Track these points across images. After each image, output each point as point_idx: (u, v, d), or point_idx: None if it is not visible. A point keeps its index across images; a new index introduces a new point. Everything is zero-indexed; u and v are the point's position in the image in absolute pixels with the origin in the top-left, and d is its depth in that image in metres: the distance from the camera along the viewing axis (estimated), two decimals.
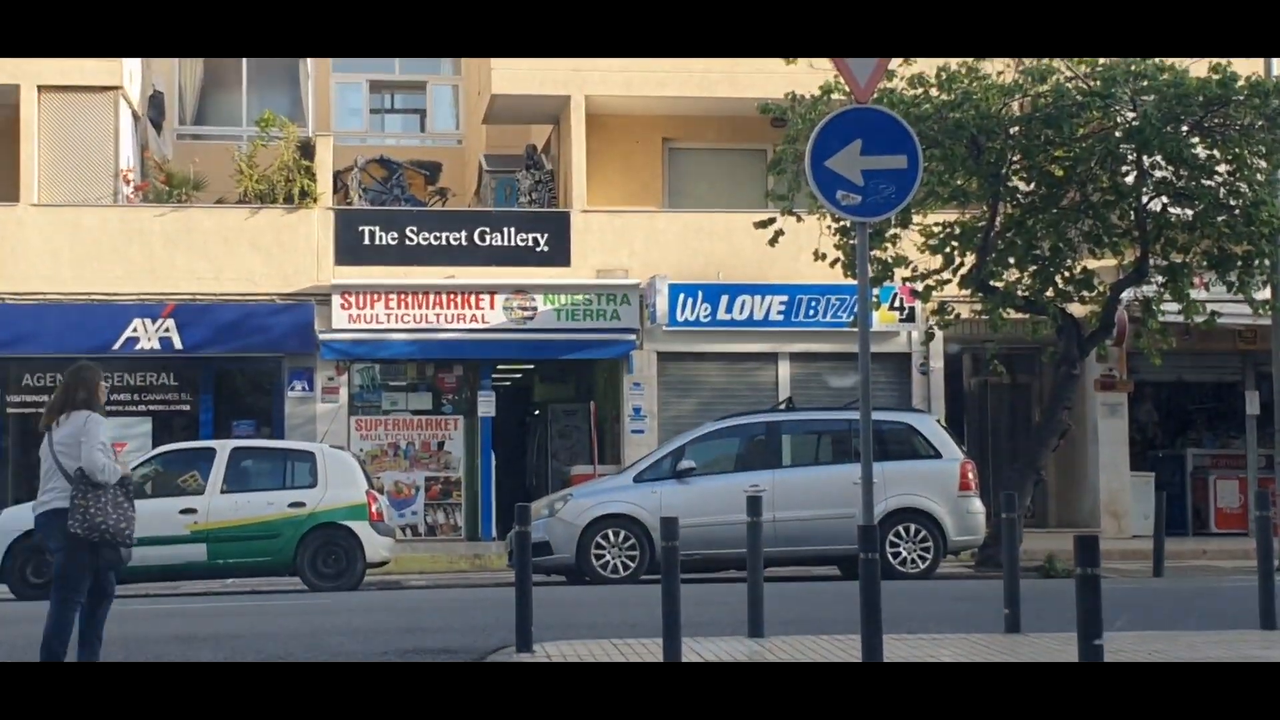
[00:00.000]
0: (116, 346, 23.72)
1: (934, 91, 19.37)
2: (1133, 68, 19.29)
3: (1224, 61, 19.05)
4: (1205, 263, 20.33)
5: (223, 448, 19.65)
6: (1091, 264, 20.70)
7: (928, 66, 19.43)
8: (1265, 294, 20.86)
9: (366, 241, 24.61)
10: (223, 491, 18.90)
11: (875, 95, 10.57)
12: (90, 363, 11.22)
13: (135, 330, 23.75)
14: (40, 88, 24.23)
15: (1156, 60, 19.24)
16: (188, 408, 24.66)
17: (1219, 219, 19.74)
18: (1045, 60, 19.44)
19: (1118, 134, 19.60)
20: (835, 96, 18.88)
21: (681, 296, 24.63)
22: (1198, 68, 19.10)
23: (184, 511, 18.69)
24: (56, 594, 10.11)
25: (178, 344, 23.86)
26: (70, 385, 10.35)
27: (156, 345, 23.85)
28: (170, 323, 23.84)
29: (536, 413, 27.95)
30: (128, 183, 25.11)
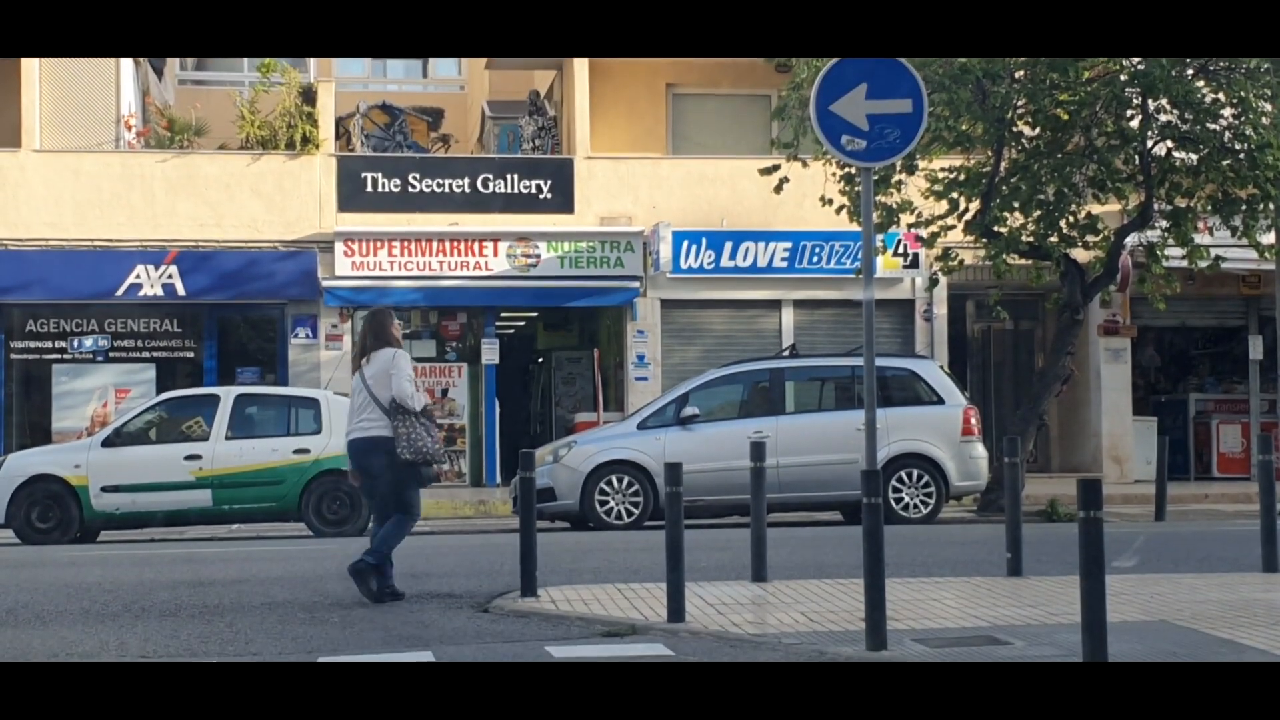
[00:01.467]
0: (119, 293, 23.76)
1: None
2: None
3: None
4: (1209, 207, 20.28)
5: (227, 394, 19.72)
6: (1096, 209, 20.66)
7: None
8: (1269, 238, 20.80)
9: (369, 188, 24.60)
10: (227, 438, 18.98)
11: None
12: (384, 307, 13.38)
13: (138, 277, 23.78)
14: None
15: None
16: (191, 354, 24.73)
17: (1224, 163, 19.68)
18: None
19: (1123, 78, 19.55)
20: None
21: (685, 243, 24.64)
22: None
23: (189, 458, 18.79)
24: (403, 508, 11.53)
25: (181, 290, 23.89)
26: (369, 328, 11.93)
27: (159, 292, 23.88)
28: (173, 269, 23.86)
29: (540, 360, 28.02)
30: (129, 128, 25.10)
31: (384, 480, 11.41)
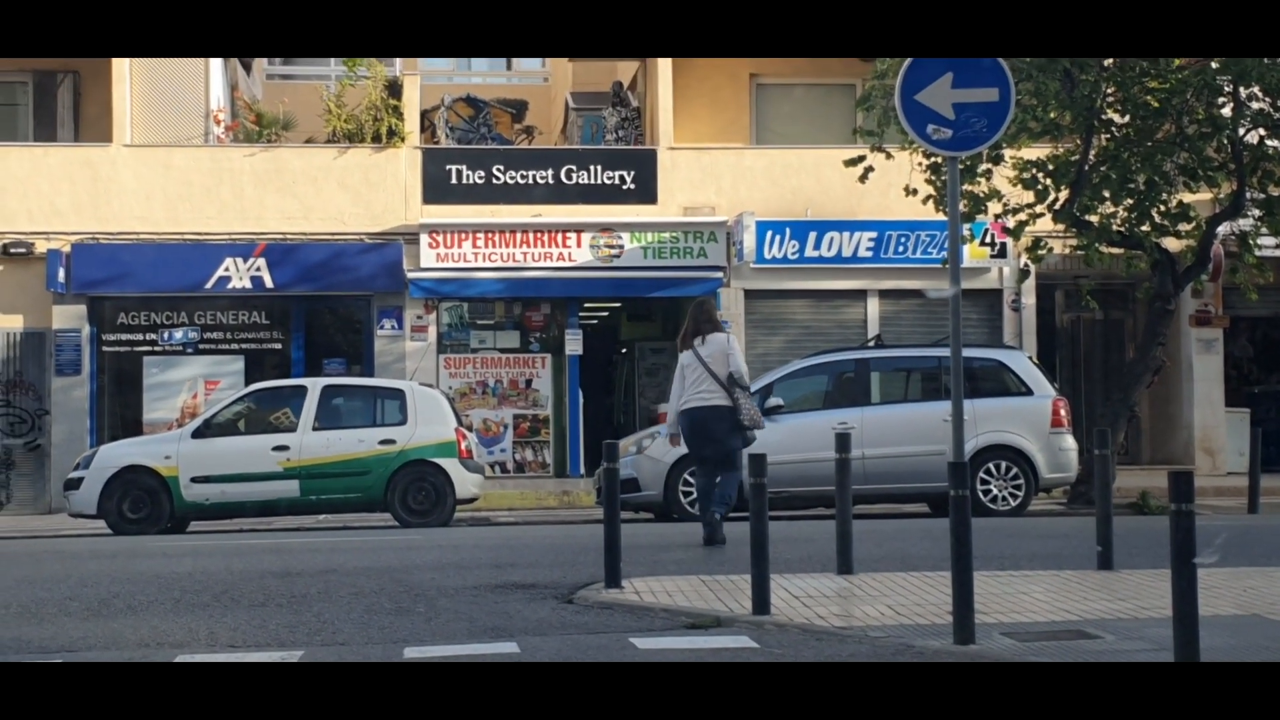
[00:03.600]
0: (209, 285, 24.03)
1: None
2: None
3: None
4: None
5: (314, 385, 19.89)
6: (1187, 197, 20.40)
7: None
8: None
9: (454, 180, 24.72)
10: (314, 429, 19.15)
11: None
12: (708, 296, 16.96)
13: (227, 269, 24.02)
14: None
15: None
16: (279, 346, 24.93)
17: None
18: None
19: (1214, 65, 19.26)
20: None
21: (769, 233, 24.57)
22: None
23: (277, 448, 18.97)
24: (732, 473, 13.94)
25: (269, 283, 24.12)
26: (696, 316, 14.29)
27: (248, 284, 24.12)
28: (261, 262, 24.09)
29: (624, 351, 28.03)
30: (218, 123, 25.35)
31: (722, 442, 13.75)
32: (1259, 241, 20.45)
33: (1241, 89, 19.44)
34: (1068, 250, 21.66)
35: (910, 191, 20.05)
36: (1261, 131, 19.81)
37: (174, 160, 24.52)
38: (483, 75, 32.69)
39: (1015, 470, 18.72)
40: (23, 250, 23.85)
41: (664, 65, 25.20)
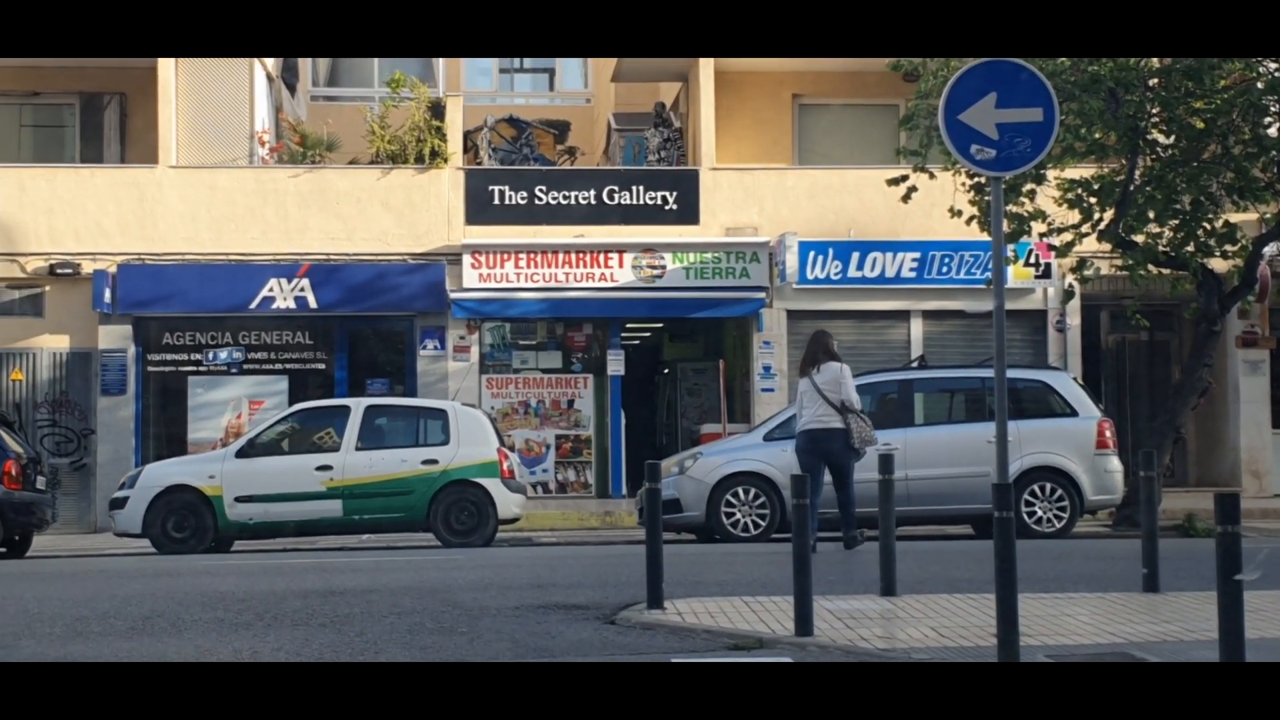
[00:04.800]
0: (253, 306, 24.17)
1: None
2: None
3: None
4: None
5: (357, 405, 19.97)
6: (1233, 218, 20.28)
7: None
8: None
9: (496, 201, 24.79)
10: (357, 449, 19.22)
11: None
12: (824, 329, 17.40)
13: (271, 290, 24.15)
14: (180, 61, 24.60)
15: None
16: (323, 366, 25.04)
17: None
18: None
19: (1260, 85, 19.18)
20: None
21: (811, 254, 24.55)
22: None
23: (320, 468, 19.06)
24: (848, 484, 15.81)
25: (312, 303, 24.24)
26: (814, 346, 16.18)
27: (292, 304, 24.24)
28: (305, 282, 24.20)
29: (665, 371, 28.04)
30: (263, 144, 25.51)
31: (836, 459, 15.67)
32: None
33: None
34: (1112, 271, 21.56)
35: (955, 213, 20.00)
36: None
37: (219, 181, 24.67)
38: (525, 96, 32.81)
39: (1060, 492, 18.63)
40: (69, 271, 24.04)
41: (706, 85, 25.24)
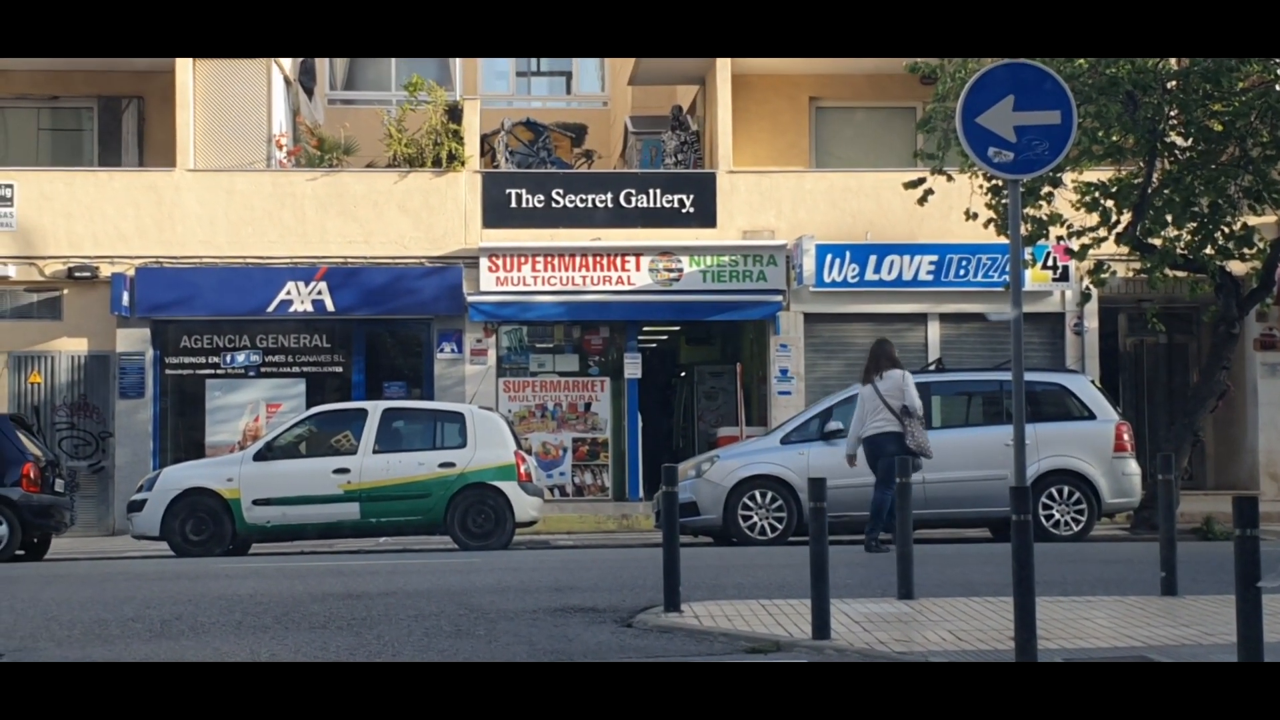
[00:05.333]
0: (271, 309, 24.21)
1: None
2: None
3: None
4: None
5: (374, 408, 20.00)
6: (1251, 220, 20.22)
7: None
8: None
9: (513, 204, 24.81)
10: (375, 451, 19.26)
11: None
12: (885, 336, 18.18)
13: (289, 293, 24.20)
14: (196, 61, 24.67)
15: None
16: (340, 369, 25.07)
17: None
18: None
19: (1278, 88, 19.13)
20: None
21: (829, 257, 24.53)
22: None
23: (337, 471, 19.11)
24: (886, 485, 15.36)
25: (330, 306, 24.28)
26: (877, 354, 16.70)
27: (309, 308, 24.28)
28: (322, 285, 24.25)
29: (682, 374, 28.04)
30: (280, 148, 25.57)
31: (888, 460, 15.07)
32: None
33: None
34: (1130, 274, 21.51)
35: (972, 216, 19.98)
36: None
37: (236, 185, 24.73)
38: (542, 100, 32.82)
39: (1078, 495, 18.63)
40: (88, 274, 24.12)
41: (724, 89, 25.24)
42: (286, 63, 26.11)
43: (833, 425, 18.87)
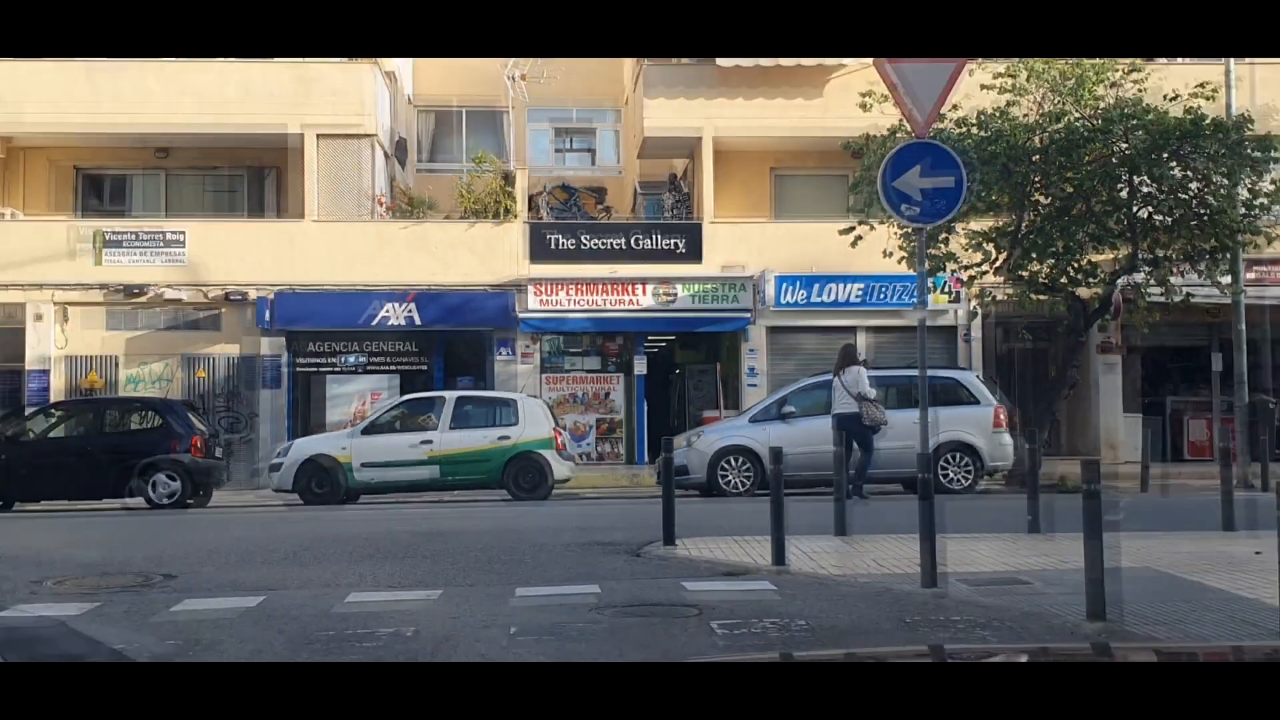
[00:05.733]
0: (373, 323, 24.21)
1: (974, 130, 19.05)
2: (1125, 110, 18.83)
3: (1196, 104, 18.55)
4: (1181, 256, 19.79)
5: (450, 396, 20.02)
6: (1095, 258, 20.20)
7: (969, 111, 19.13)
8: (1226, 279, 20.30)
9: (552, 246, 24.82)
10: (450, 428, 19.26)
11: (930, 133, 10.40)
12: (850, 341, 18.52)
13: (386, 311, 24.20)
14: (319, 135, 24.74)
15: (1145, 104, 18.79)
16: (424, 367, 25.07)
17: (1191, 224, 19.22)
18: (1060, 105, 19.04)
19: (1114, 160, 19.13)
20: (899, 135, 18.63)
21: (785, 285, 24.55)
22: (1175, 108, 18.64)
23: (423, 442, 19.11)
24: (867, 453, 16.28)
25: (416, 321, 24.29)
26: (843, 355, 17.10)
27: (401, 322, 24.29)
28: (411, 306, 24.26)
29: (677, 371, 28.01)
30: (380, 204, 25.59)
31: (854, 434, 15.66)
32: (1148, 291, 20.23)
33: (1135, 178, 19.26)
34: (1005, 297, 21.49)
35: (888, 254, 19.96)
36: (1150, 209, 19.58)
37: (348, 231, 24.77)
38: (574, 169, 32.75)
39: (967, 460, 18.63)
40: (239, 297, 24.16)
41: (707, 161, 25.26)
42: (385, 140, 26.13)
43: (788, 409, 18.87)
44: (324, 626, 7.57)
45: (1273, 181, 19.17)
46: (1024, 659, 1.28)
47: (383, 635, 7.25)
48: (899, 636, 6.98)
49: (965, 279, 20.33)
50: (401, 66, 28.06)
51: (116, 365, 24.56)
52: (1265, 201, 19.18)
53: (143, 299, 24.22)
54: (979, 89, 18.86)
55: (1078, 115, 19.07)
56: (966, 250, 19.90)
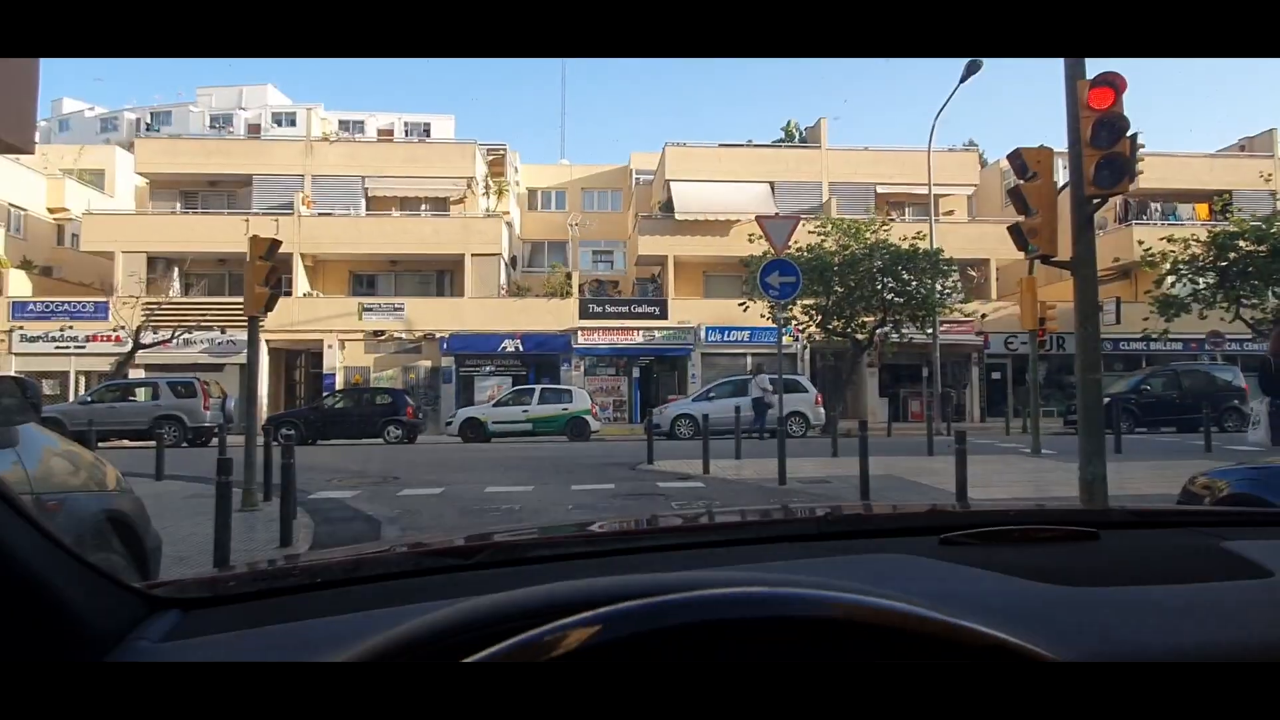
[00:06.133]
0: (499, 350, 24.04)
1: (804, 254, 19.06)
2: (879, 245, 18.90)
3: (914, 243, 18.61)
4: (906, 320, 19.74)
5: (538, 388, 19.79)
6: (864, 319, 20.19)
7: (803, 244, 19.12)
8: (929, 331, 20.28)
9: (592, 309, 24.64)
10: (537, 404, 19.11)
11: (784, 255, 10.49)
12: (762, 359, 18.06)
13: (505, 346, 24.03)
14: (473, 255, 24.70)
15: (889, 241, 18.84)
16: (524, 373, 24.74)
17: (911, 303, 19.17)
18: (847, 243, 19.06)
19: (874, 270, 19.12)
20: (767, 255, 18.56)
21: (710, 332, 24.41)
22: (904, 244, 18.68)
23: (524, 411, 18.94)
24: (762, 417, 15.75)
25: (521, 350, 24.13)
26: (755, 367, 16.87)
27: (513, 350, 24.15)
28: (518, 342, 24.08)
29: (655, 375, 27.82)
30: (503, 290, 25.45)
31: (760, 407, 15.45)
32: (892, 337, 20.19)
33: (884, 279, 19.21)
34: (820, 337, 21.46)
35: (762, 316, 19.79)
36: (891, 294, 19.42)
37: (487, 303, 24.62)
38: (604, 272, 32.64)
39: (801, 420, 18.52)
40: (431, 335, 24.01)
41: (670, 269, 25.14)
42: (506, 256, 26.02)
43: (711, 394, 18.75)
44: (475, 504, 7.60)
45: (951, 282, 19.21)
46: (823, 512, 1.33)
47: (503, 508, 7.29)
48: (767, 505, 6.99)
49: (802, 329, 20.30)
50: (515, 216, 27.93)
51: (369, 372, 24.43)
52: (947, 292, 19.20)
53: (383, 338, 24.07)
54: (807, 233, 18.94)
55: (856, 247, 19.13)
56: (803, 315, 19.88)
